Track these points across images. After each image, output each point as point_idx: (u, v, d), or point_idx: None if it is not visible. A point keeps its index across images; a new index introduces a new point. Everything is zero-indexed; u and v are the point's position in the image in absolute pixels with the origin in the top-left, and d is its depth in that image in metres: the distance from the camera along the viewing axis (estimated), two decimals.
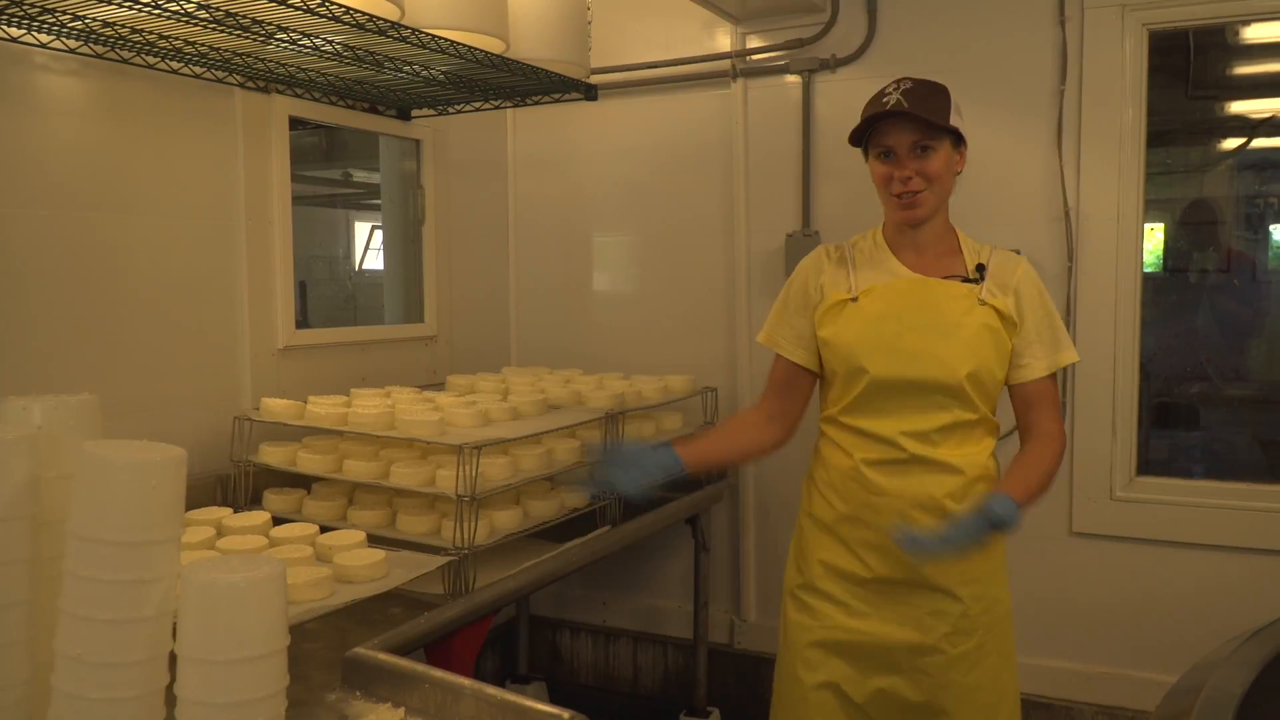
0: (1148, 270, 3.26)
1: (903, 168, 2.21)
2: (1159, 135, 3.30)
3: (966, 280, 2.26)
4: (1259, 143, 4.25)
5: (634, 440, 2.41)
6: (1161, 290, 4.24)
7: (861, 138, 2.28)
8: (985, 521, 1.97)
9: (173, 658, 1.26)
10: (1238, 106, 4.32)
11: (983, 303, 2.22)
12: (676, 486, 3.26)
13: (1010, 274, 2.27)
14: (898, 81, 2.24)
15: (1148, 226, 3.32)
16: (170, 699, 1.27)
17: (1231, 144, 4.46)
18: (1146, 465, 3.36)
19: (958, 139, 2.26)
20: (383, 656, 1.74)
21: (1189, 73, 3.88)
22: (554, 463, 2.68)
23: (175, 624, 1.25)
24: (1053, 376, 2.29)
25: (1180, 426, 4.28)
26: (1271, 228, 4.36)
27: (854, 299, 2.29)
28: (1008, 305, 2.23)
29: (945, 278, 2.28)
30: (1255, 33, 3.49)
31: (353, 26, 2.26)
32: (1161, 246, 4.37)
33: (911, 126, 2.18)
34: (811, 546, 2.41)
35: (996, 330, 2.22)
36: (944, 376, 2.18)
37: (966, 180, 3.38)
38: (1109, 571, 3.30)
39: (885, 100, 2.20)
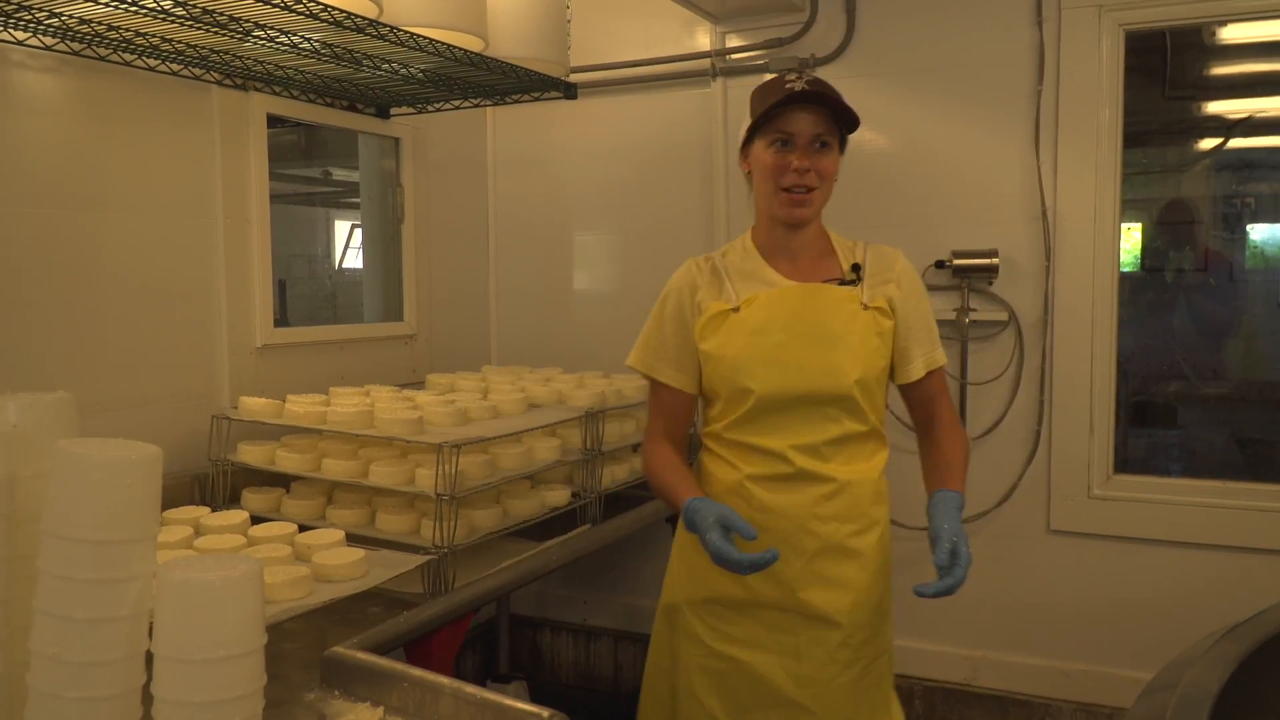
0: (1125, 270, 3.28)
1: (802, 158, 2.07)
2: (1136, 135, 3.33)
3: (844, 283, 2.16)
4: (1235, 143, 4.29)
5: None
6: (1139, 289, 4.27)
7: (761, 123, 2.11)
8: (962, 554, 1.94)
9: (150, 657, 1.25)
10: (1214, 107, 4.36)
11: (865, 307, 2.12)
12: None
13: (889, 268, 2.18)
14: (799, 72, 2.11)
15: (1125, 226, 3.34)
16: (147, 698, 1.26)
17: (1208, 144, 4.49)
18: (1124, 463, 3.38)
19: (842, 145, 2.14)
20: (362, 656, 1.74)
21: (1166, 73, 3.91)
22: (534, 461, 2.68)
23: (152, 623, 1.25)
24: (942, 369, 2.23)
25: (1158, 425, 4.31)
26: (1248, 227, 4.39)
27: (735, 309, 2.15)
28: (888, 302, 2.15)
29: (823, 282, 2.16)
30: (1232, 33, 3.52)
31: (330, 24, 2.26)
32: (1139, 246, 4.41)
33: (814, 119, 2.06)
34: (689, 569, 2.25)
35: (884, 333, 2.14)
36: (833, 386, 2.08)
37: (946, 179, 3.43)
38: (1086, 569, 3.32)
39: (789, 86, 2.06)
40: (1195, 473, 3.70)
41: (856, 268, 2.17)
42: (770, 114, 2.07)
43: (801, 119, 2.06)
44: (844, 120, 2.09)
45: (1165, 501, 3.22)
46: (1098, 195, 3.21)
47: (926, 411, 2.22)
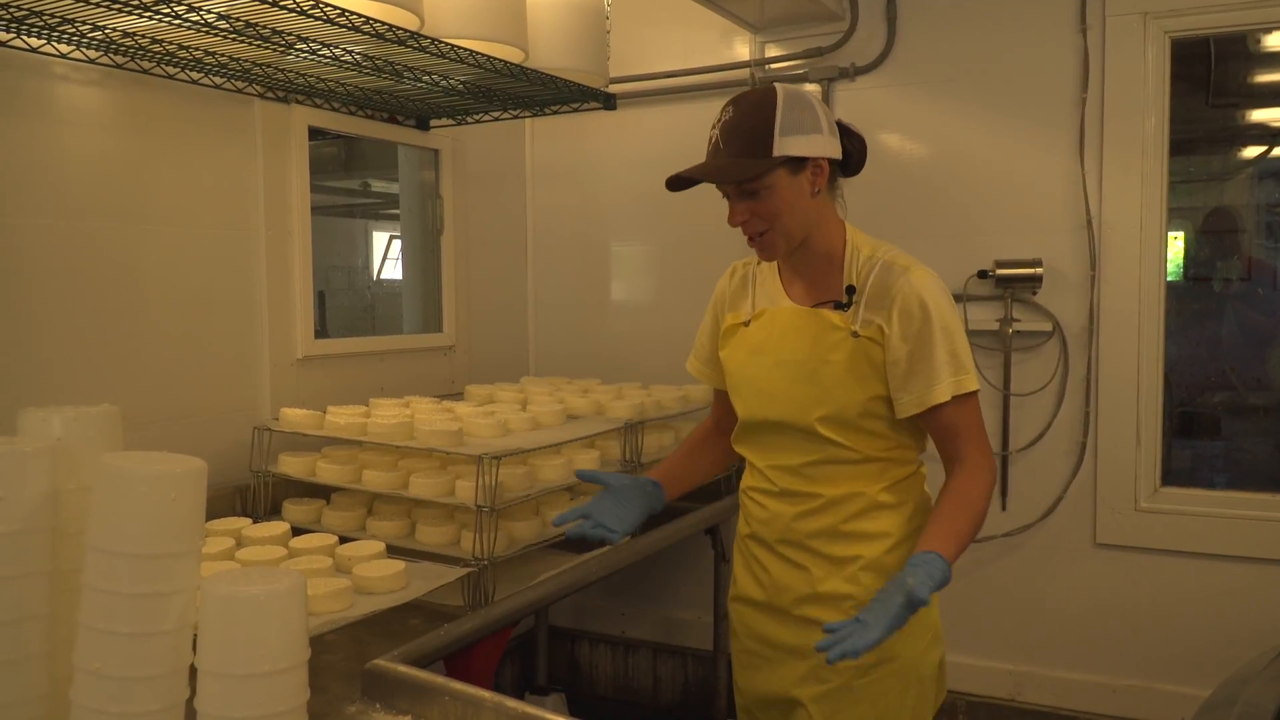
0: (1168, 279, 3.23)
1: (732, 212, 1.97)
2: (1179, 143, 3.28)
3: (839, 306, 2.00)
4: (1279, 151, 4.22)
5: (614, 477, 2.20)
6: (1181, 299, 4.21)
7: (680, 184, 1.97)
8: (908, 604, 1.69)
9: (193, 671, 1.25)
10: (1259, 114, 4.30)
11: (855, 335, 1.96)
12: (694, 497, 3.25)
13: (885, 292, 1.96)
14: (723, 109, 1.96)
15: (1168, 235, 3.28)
16: (190, 713, 1.26)
17: (1252, 152, 4.44)
18: (1169, 475, 3.32)
19: (800, 161, 1.92)
20: (402, 669, 1.73)
21: (1210, 81, 3.86)
22: (573, 473, 2.67)
23: (195, 637, 1.24)
24: (962, 400, 1.95)
25: (1201, 436, 4.25)
26: None
27: (746, 324, 2.12)
28: (878, 330, 1.96)
29: (817, 305, 2.03)
30: (1277, 40, 3.47)
31: (372, 36, 2.26)
32: (1181, 255, 4.35)
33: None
34: (734, 564, 2.32)
35: (873, 364, 1.96)
36: (797, 419, 2.01)
37: (989, 189, 3.39)
38: (1134, 583, 3.26)
39: (710, 136, 1.95)
40: (1241, 484, 3.63)
41: (850, 289, 2.00)
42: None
43: None
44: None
45: (1214, 514, 3.16)
46: (1144, 204, 3.16)
47: (944, 450, 2.02)
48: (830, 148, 1.96)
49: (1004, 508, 3.40)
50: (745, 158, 1.90)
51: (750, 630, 2.22)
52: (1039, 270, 3.25)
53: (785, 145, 1.89)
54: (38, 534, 1.30)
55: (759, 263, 2.17)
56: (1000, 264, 3.29)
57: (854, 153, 2.04)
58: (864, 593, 2.01)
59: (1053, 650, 3.38)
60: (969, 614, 3.44)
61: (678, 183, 1.97)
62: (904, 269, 1.97)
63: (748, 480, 2.19)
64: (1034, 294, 3.30)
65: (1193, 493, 3.25)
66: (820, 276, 2.05)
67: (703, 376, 2.32)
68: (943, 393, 1.92)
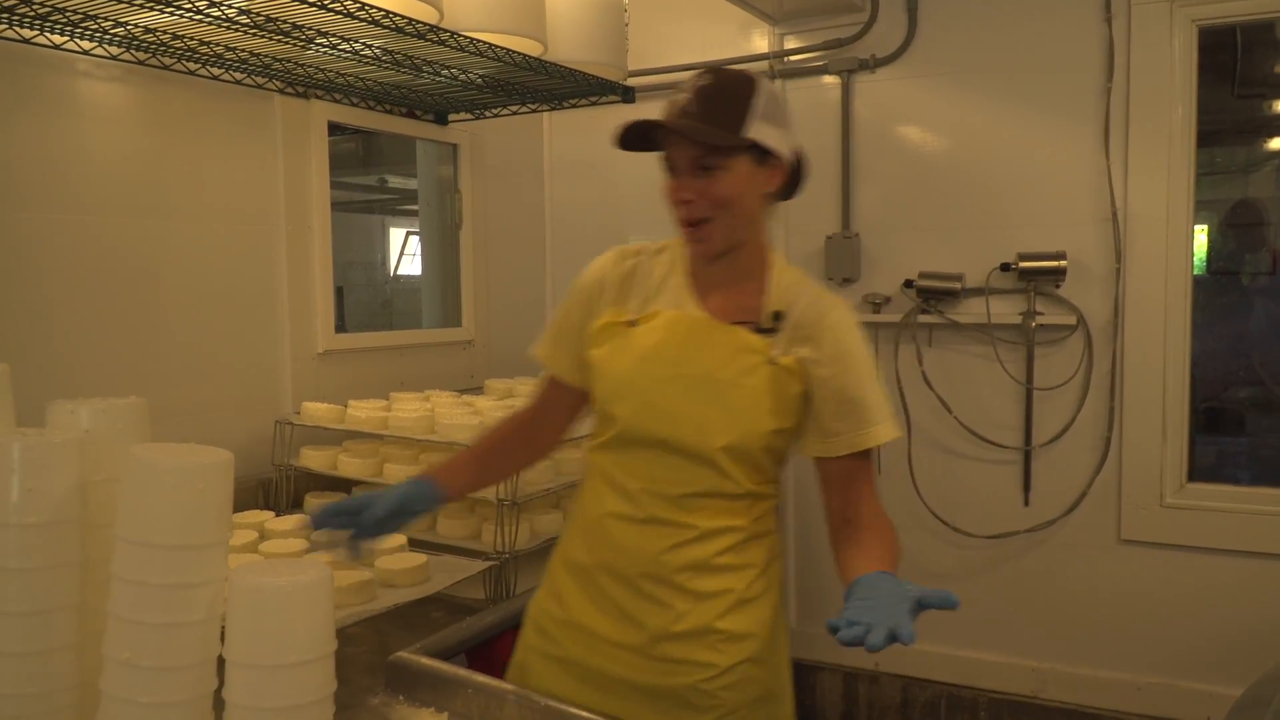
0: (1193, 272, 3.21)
1: (678, 186, 1.77)
2: (1204, 135, 3.25)
3: (760, 330, 1.80)
4: None
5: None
6: (1207, 292, 4.18)
7: (629, 142, 1.81)
8: (915, 611, 1.41)
9: (221, 662, 1.25)
10: None
11: (773, 362, 1.77)
12: None
13: (815, 323, 1.79)
14: (698, 74, 1.80)
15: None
16: (219, 703, 1.26)
17: (1279, 144, 4.40)
18: (1195, 471, 3.29)
19: (765, 152, 1.76)
20: (425, 661, 1.74)
21: (1236, 70, 3.82)
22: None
23: (224, 628, 1.24)
24: (866, 451, 1.80)
25: (1229, 431, 4.22)
26: None
27: (632, 323, 1.87)
28: (800, 363, 1.78)
29: (735, 323, 1.82)
30: None
31: (392, 30, 2.26)
32: (1206, 248, 4.32)
33: (690, 141, 1.74)
34: (559, 591, 1.94)
35: (789, 396, 1.78)
36: (696, 443, 1.77)
37: (1012, 180, 3.37)
38: (1159, 580, 3.24)
39: (676, 100, 1.78)
40: (1267, 480, 3.59)
41: (778, 315, 1.81)
42: (637, 132, 1.78)
43: (676, 141, 1.76)
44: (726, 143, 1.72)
45: (1241, 510, 3.13)
46: (1170, 195, 3.13)
47: (843, 497, 1.81)
48: (790, 155, 1.82)
49: (1027, 503, 3.38)
50: (716, 128, 1.72)
51: (576, 658, 1.87)
52: (1063, 263, 3.22)
53: (759, 130, 1.73)
54: (67, 525, 1.30)
55: (656, 253, 1.96)
56: (1023, 256, 3.27)
57: (798, 175, 1.90)
58: (735, 626, 1.82)
59: (1077, 647, 3.36)
60: (991, 610, 3.43)
61: (633, 141, 1.79)
62: (835, 304, 1.82)
63: (608, 505, 1.86)
64: (1057, 287, 3.28)
65: (1219, 488, 3.22)
66: (740, 292, 1.86)
67: (553, 363, 2.02)
68: (879, 435, 1.77)
